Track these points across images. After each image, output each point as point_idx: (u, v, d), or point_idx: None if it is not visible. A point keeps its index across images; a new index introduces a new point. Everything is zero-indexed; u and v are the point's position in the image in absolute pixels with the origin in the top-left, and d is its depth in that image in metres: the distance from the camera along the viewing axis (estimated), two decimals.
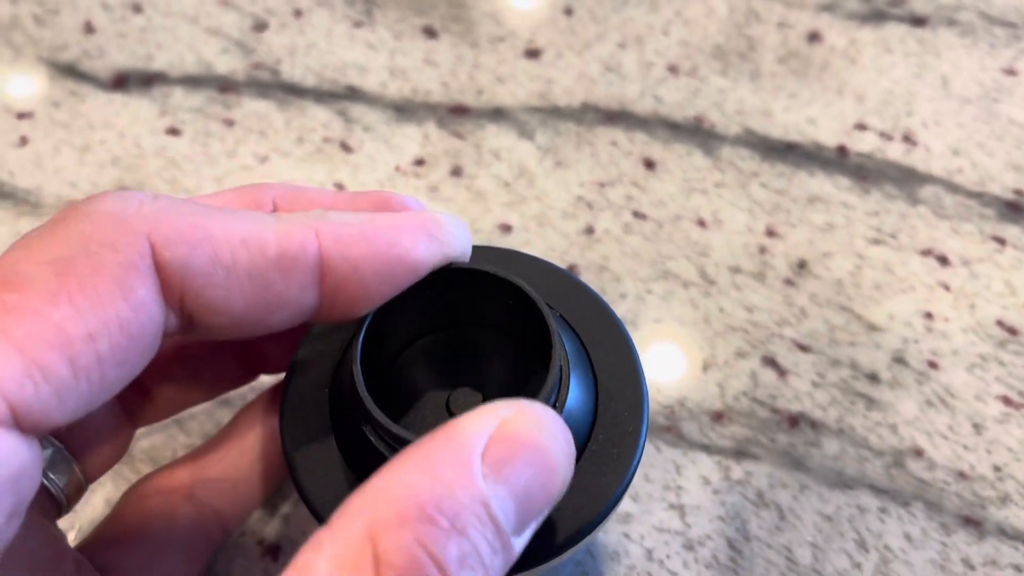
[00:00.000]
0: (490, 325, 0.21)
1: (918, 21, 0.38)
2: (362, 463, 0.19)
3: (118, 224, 0.15)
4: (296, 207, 0.20)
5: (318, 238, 0.17)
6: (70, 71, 0.37)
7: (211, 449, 0.24)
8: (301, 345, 0.21)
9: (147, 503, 0.23)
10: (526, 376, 0.20)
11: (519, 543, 0.15)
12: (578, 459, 0.19)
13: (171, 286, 0.16)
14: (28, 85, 0.37)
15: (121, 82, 0.37)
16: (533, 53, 0.38)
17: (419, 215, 0.18)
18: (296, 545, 0.27)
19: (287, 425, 0.20)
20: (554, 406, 0.18)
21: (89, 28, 0.38)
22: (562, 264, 0.32)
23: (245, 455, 0.24)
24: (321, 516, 0.19)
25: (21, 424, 0.14)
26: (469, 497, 0.14)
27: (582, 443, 0.19)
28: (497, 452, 0.15)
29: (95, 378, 0.15)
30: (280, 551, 0.27)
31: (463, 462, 0.15)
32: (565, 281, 0.22)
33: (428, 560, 0.13)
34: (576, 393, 0.19)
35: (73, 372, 0.14)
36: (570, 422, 0.19)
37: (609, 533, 0.28)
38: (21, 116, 0.36)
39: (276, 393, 0.24)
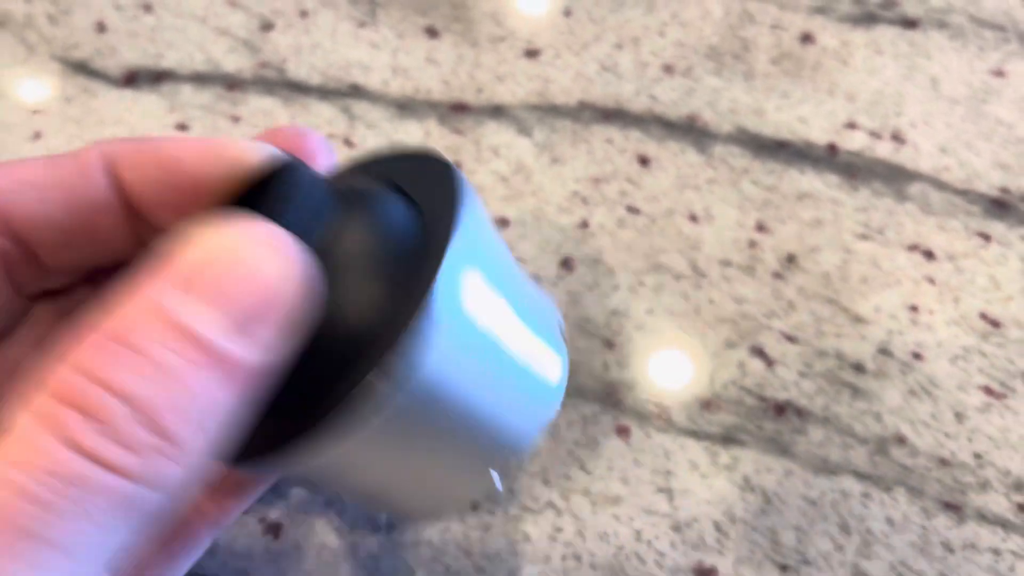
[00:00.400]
0: None
1: (909, 23, 0.39)
2: None
3: None
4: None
5: (107, 149, 0.18)
6: (82, 68, 0.38)
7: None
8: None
9: None
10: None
11: (247, 347, 0.14)
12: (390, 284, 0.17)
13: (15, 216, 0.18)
14: (42, 82, 0.38)
15: (132, 79, 0.38)
16: (532, 53, 0.39)
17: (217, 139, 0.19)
18: (297, 524, 0.28)
19: None
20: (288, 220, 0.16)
21: (101, 27, 0.40)
22: (557, 257, 0.33)
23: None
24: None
25: None
26: (142, 314, 0.13)
27: (395, 274, 0.18)
28: (179, 267, 0.14)
29: None
30: (281, 529, 0.28)
31: (136, 289, 0.14)
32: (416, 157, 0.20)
33: (88, 382, 0.13)
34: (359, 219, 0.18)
35: None
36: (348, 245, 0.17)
37: (598, 515, 0.28)
38: (35, 112, 0.37)
39: None
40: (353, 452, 0.17)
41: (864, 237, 0.34)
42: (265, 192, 0.17)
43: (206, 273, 0.14)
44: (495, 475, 0.20)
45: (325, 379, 0.17)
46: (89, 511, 0.13)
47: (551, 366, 0.20)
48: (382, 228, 0.18)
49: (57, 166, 0.18)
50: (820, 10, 0.39)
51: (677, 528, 0.28)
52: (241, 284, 0.14)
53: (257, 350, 0.14)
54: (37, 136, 0.37)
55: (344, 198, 0.18)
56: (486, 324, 0.18)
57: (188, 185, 0.18)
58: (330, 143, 0.21)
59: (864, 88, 0.37)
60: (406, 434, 0.18)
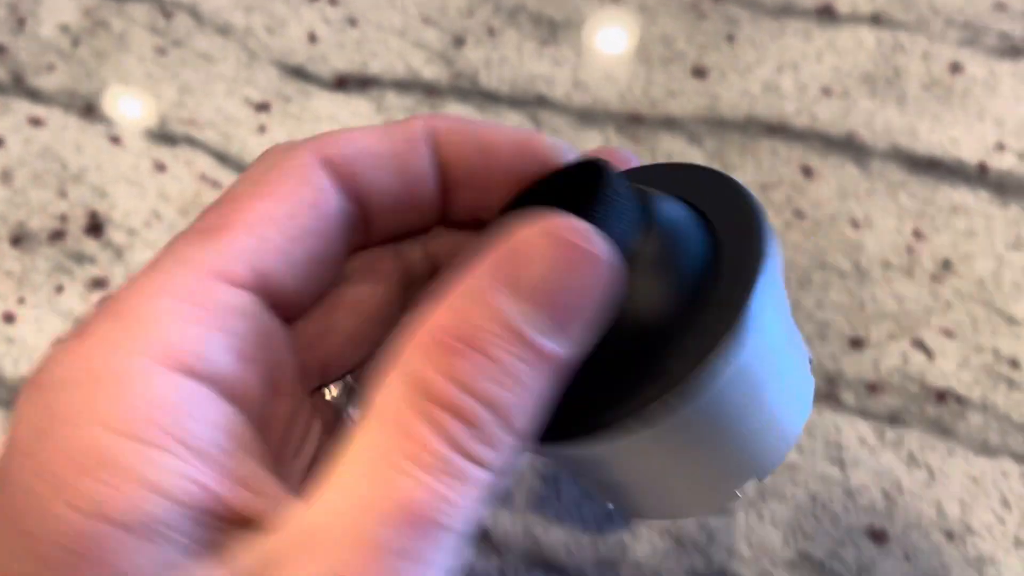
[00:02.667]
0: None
1: None
2: None
3: (287, 147, 0.19)
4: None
5: (431, 123, 0.20)
6: (298, 73, 0.43)
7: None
8: None
9: None
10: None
11: (562, 343, 0.16)
12: (688, 301, 0.18)
13: (340, 174, 0.19)
14: (264, 83, 0.43)
15: (342, 83, 0.43)
16: (700, 72, 0.42)
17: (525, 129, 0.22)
18: None
19: None
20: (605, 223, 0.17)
21: (312, 38, 0.45)
22: None
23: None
24: None
25: (272, 298, 0.18)
26: (484, 319, 0.15)
27: (691, 285, 0.18)
28: (506, 265, 0.16)
29: (301, 250, 0.18)
30: None
31: (472, 285, 0.16)
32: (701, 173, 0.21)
33: (460, 391, 0.15)
34: (667, 225, 0.18)
35: (288, 241, 0.18)
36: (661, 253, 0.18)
37: (777, 475, 0.32)
38: (259, 108, 0.42)
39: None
40: (626, 450, 0.18)
41: (1016, 247, 0.36)
42: (584, 195, 0.18)
43: (535, 275, 0.16)
44: (744, 485, 0.21)
45: (614, 377, 0.18)
46: (470, 503, 0.15)
47: (807, 390, 0.21)
48: (682, 238, 0.19)
49: (390, 136, 0.20)
50: (968, 42, 0.43)
51: (849, 493, 0.31)
52: (566, 287, 0.16)
53: (573, 346, 0.16)
54: (262, 129, 0.42)
55: (646, 205, 0.19)
56: (774, 346, 0.19)
57: (500, 170, 0.20)
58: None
59: (1012, 114, 0.40)
60: (680, 442, 0.18)
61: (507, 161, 0.20)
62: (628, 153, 0.23)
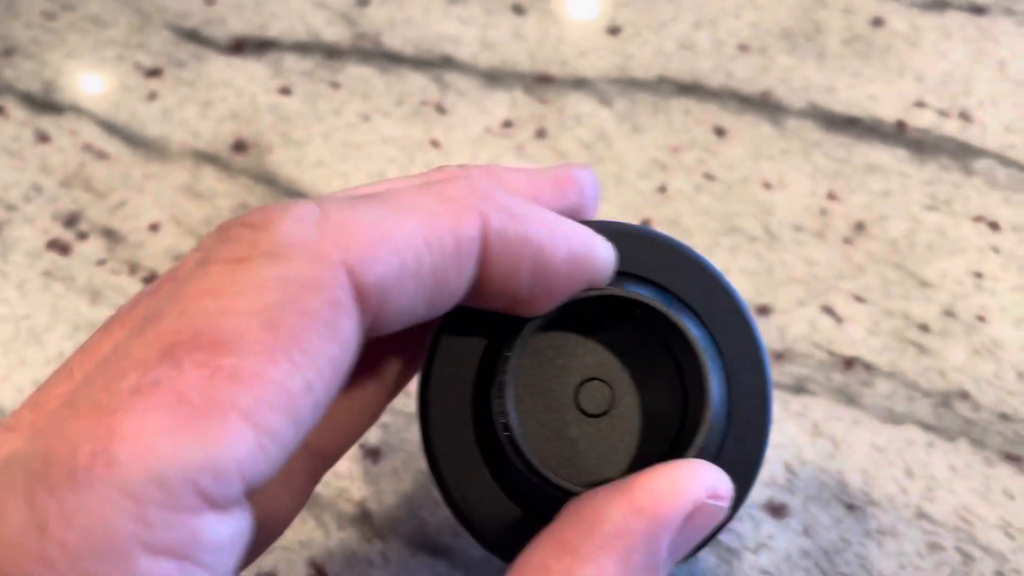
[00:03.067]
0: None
1: (978, 10, 0.41)
2: (512, 481, 0.20)
3: (313, 258, 0.14)
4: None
5: (486, 227, 0.16)
6: (193, 36, 0.41)
7: None
8: (436, 336, 0.20)
9: None
10: (656, 360, 0.20)
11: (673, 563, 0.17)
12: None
13: (368, 307, 0.15)
14: (157, 47, 0.41)
15: (239, 47, 0.41)
16: (614, 30, 0.41)
17: (584, 232, 0.18)
18: (395, 450, 0.31)
19: (433, 432, 0.20)
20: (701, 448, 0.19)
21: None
22: (636, 219, 0.35)
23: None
24: (474, 530, 0.20)
25: (248, 495, 0.14)
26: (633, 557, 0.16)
27: (717, 448, 0.20)
28: (680, 536, 0.17)
29: (308, 424, 0.14)
30: (380, 454, 0.31)
31: (651, 556, 0.16)
32: (688, 263, 0.21)
33: None
34: (716, 405, 0.19)
35: (296, 429, 0.14)
36: (710, 435, 0.19)
37: None
38: (150, 74, 0.40)
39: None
40: None
41: (931, 208, 0.35)
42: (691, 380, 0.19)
43: (692, 537, 0.17)
44: None
45: None
46: None
47: None
48: (723, 400, 0.20)
49: (438, 239, 0.16)
50: None
51: None
52: (697, 539, 0.17)
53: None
54: (152, 96, 0.39)
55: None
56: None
57: (545, 285, 0.18)
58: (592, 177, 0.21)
59: (933, 70, 0.39)
60: None
61: (557, 280, 0.18)
62: (588, 174, 0.21)
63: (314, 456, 0.21)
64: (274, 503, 0.20)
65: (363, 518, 0.29)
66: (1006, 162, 0.36)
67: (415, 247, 0.15)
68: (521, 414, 0.19)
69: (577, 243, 0.18)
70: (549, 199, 0.20)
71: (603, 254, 0.18)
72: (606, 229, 0.20)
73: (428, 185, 0.17)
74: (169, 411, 0.13)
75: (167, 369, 0.13)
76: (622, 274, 0.20)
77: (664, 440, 0.20)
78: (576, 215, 0.20)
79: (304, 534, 0.29)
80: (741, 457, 0.20)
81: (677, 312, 0.19)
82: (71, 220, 0.36)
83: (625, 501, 0.16)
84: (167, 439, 0.13)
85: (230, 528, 0.13)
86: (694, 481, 0.17)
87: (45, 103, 0.40)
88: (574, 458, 0.20)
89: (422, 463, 0.30)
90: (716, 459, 0.19)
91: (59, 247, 0.36)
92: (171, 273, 0.18)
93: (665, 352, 0.20)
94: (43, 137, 0.39)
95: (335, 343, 0.14)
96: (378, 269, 0.15)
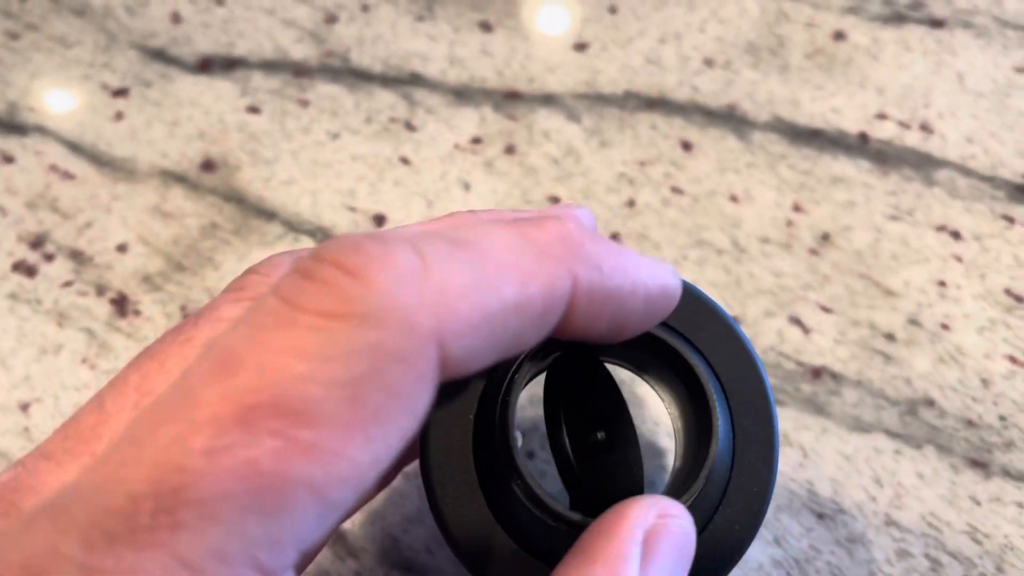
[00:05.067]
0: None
1: (936, 23, 0.41)
2: (511, 516, 0.20)
3: (408, 330, 0.14)
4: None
5: (574, 286, 0.16)
6: (160, 55, 0.41)
7: None
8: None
9: None
10: (663, 384, 0.21)
11: None
12: (716, 508, 0.20)
13: (447, 372, 0.15)
14: (123, 67, 0.41)
15: (206, 66, 0.41)
16: (580, 46, 0.41)
17: (661, 273, 0.18)
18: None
19: (433, 467, 0.20)
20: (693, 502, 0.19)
21: (176, 18, 0.42)
22: (605, 232, 0.36)
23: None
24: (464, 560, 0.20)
25: (299, 563, 0.14)
26: None
27: (721, 493, 0.20)
28: (656, 561, 0.17)
29: (369, 490, 0.15)
30: None
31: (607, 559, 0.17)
32: (693, 302, 0.21)
33: None
34: (721, 450, 0.20)
35: (357, 496, 0.14)
36: (715, 476, 0.20)
37: (645, 464, 0.31)
38: (116, 94, 0.40)
39: None
40: None
41: (894, 218, 0.36)
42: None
43: (661, 563, 0.17)
44: None
45: None
46: None
47: None
48: (728, 444, 0.21)
49: (528, 302, 0.15)
50: (851, 10, 0.42)
51: None
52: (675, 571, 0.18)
53: None
54: (119, 116, 0.39)
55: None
56: None
57: (620, 325, 0.18)
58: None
59: (894, 82, 0.40)
60: None
61: (631, 324, 0.18)
62: (586, 212, 0.21)
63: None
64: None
65: (336, 537, 0.29)
66: (966, 172, 0.37)
67: (506, 313, 0.15)
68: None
69: (654, 287, 0.18)
70: None
71: (675, 293, 0.18)
72: None
73: (523, 231, 0.16)
74: (239, 479, 0.12)
75: (242, 435, 0.12)
76: None
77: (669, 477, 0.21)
78: None
79: None
80: (740, 514, 0.20)
81: (695, 358, 0.20)
82: (37, 242, 0.36)
83: (592, 527, 0.18)
84: (234, 511, 0.12)
85: None
86: (641, 506, 0.18)
87: (10, 124, 0.39)
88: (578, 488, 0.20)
89: (394, 481, 0.30)
90: (722, 497, 0.20)
91: (25, 269, 0.35)
92: (234, 294, 0.18)
93: (675, 380, 0.21)
94: (8, 158, 0.38)
95: (410, 415, 0.14)
96: (467, 342, 0.14)
